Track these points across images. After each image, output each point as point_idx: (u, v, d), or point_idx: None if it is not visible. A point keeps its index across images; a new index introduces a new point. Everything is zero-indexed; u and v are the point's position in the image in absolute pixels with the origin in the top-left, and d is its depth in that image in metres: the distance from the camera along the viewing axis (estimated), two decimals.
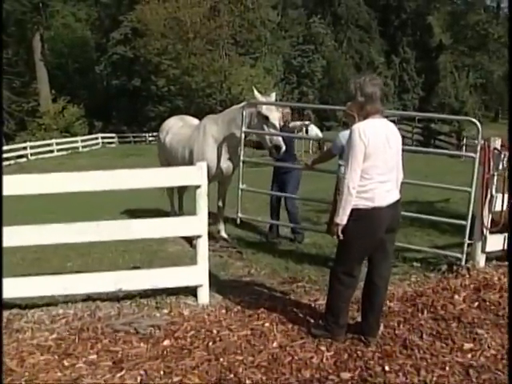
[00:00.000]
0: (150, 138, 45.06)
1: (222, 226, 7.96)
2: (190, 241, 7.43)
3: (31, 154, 33.32)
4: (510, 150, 5.65)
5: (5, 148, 32.75)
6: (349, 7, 61.56)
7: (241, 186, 7.43)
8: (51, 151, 35.33)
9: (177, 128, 8.47)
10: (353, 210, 3.89)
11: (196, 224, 4.76)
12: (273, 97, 7.20)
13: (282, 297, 5.32)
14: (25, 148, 33.45)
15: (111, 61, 52.29)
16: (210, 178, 7.22)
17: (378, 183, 3.91)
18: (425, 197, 9.99)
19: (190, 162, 7.57)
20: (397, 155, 4.07)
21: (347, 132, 6.18)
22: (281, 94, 47.93)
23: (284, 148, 6.77)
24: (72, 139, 38.65)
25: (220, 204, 7.99)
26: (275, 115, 6.94)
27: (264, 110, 6.91)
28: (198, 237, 4.85)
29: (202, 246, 4.85)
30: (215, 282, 5.60)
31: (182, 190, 8.88)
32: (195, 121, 8.53)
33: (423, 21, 63.90)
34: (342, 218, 3.90)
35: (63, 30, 55.81)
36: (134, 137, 46.83)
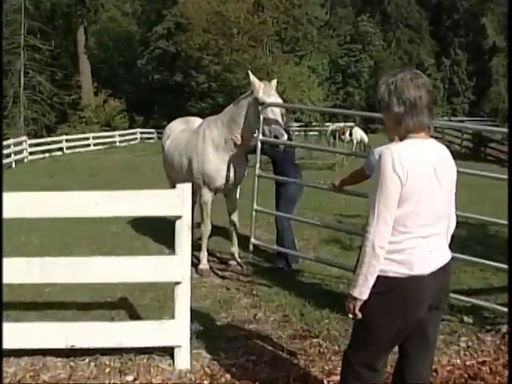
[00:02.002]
0: None
1: (235, 248, 6.95)
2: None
3: (67, 148, 32.78)
4: (510, 149, 4.51)
5: (40, 141, 32.36)
6: (399, 6, 59.57)
7: (255, 206, 6.29)
8: (88, 145, 34.77)
9: (177, 132, 7.40)
10: (379, 278, 2.59)
11: (176, 266, 3.60)
12: (273, 84, 6.16)
13: (289, 360, 4.10)
14: (60, 141, 32.92)
15: (153, 55, 51.73)
16: (214, 191, 6.59)
17: (420, 239, 2.59)
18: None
19: (189, 172, 6.66)
20: (449, 195, 2.76)
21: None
22: (325, 94, 46.59)
23: (285, 138, 5.85)
24: (109, 133, 38.07)
25: (234, 218, 6.96)
26: (275, 100, 5.95)
27: (261, 94, 5.89)
28: (177, 283, 3.67)
29: (183, 295, 3.67)
30: (208, 330, 4.47)
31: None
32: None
33: (476, 22, 61.42)
34: (362, 291, 2.59)
35: (109, 24, 56.02)
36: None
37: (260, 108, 5.85)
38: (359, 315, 2.66)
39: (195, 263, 6.51)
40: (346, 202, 11.32)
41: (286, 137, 5.84)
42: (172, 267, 3.59)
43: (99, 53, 53.89)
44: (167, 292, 5.23)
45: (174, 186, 7.97)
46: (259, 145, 6.08)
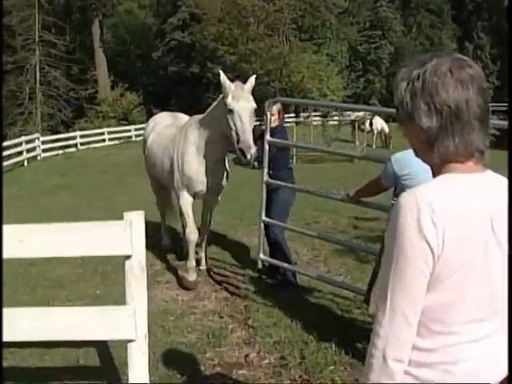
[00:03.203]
0: None
1: (202, 254, 6.69)
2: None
3: (81, 144, 32.17)
4: (509, 150, 3.63)
5: (54, 137, 31.84)
6: None
7: (263, 216, 5.58)
8: (103, 140, 34.10)
9: (162, 127, 6.76)
10: None
11: (126, 320, 2.78)
12: (248, 85, 5.47)
13: None
14: (74, 137, 32.32)
15: (169, 47, 51.05)
16: (193, 195, 6.11)
17: (468, 345, 1.50)
18: None
19: (170, 173, 6.14)
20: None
21: (406, 154, 4.08)
22: (345, 82, 45.58)
23: (253, 151, 5.16)
24: (125, 128, 37.36)
25: (203, 227, 6.57)
26: (244, 106, 5.26)
27: (229, 99, 5.28)
28: (130, 341, 2.85)
29: (137, 357, 2.85)
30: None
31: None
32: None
33: (500, 4, 59.55)
34: None
35: (126, 17, 55.60)
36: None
37: (227, 114, 5.31)
38: None
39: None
40: (364, 202, 10.46)
41: (253, 150, 5.16)
42: (121, 322, 2.77)
43: (116, 46, 53.58)
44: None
45: (156, 186, 7.32)
46: (267, 147, 5.49)
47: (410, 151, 3.76)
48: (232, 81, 5.49)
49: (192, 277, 6.08)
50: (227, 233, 8.35)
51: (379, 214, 9.26)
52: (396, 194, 4.04)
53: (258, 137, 5.82)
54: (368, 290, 4.24)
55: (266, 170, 5.56)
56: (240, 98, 5.25)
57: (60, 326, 2.82)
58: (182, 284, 6.09)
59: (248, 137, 5.18)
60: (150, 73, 53.50)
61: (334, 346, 4.29)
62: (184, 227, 6.35)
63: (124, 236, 2.68)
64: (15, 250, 2.73)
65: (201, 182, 5.88)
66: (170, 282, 6.30)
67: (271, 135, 5.58)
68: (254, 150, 5.15)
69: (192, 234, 6.08)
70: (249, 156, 5.14)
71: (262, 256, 5.66)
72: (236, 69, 41.34)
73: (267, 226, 5.86)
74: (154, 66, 53.52)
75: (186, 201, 6.06)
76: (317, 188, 6.64)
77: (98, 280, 6.30)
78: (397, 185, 4.03)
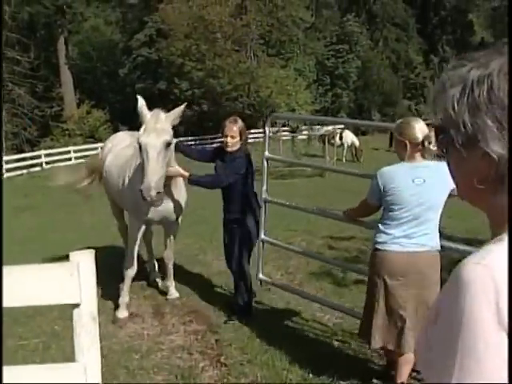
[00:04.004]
0: None
1: (169, 283, 6.28)
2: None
3: (46, 163, 31.41)
4: (509, 151, 3.24)
5: (18, 156, 31.07)
6: (385, 4, 58.46)
7: (262, 235, 5.48)
8: (69, 159, 33.35)
9: (121, 147, 6.33)
10: None
11: (74, 379, 2.37)
12: (172, 114, 5.08)
13: None
14: (39, 156, 31.56)
15: (136, 63, 50.59)
16: (143, 222, 5.70)
17: None
18: None
19: (124, 200, 5.78)
20: None
21: (392, 168, 3.72)
22: (313, 97, 45.58)
23: (152, 194, 4.62)
24: (92, 146, 36.64)
25: (169, 253, 6.17)
26: (153, 143, 4.74)
27: (140, 132, 4.87)
28: None
29: None
30: None
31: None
32: None
33: (464, 18, 60.64)
34: None
35: (92, 33, 55.10)
36: None
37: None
38: None
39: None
40: (339, 220, 10.15)
41: (152, 193, 4.63)
42: (70, 380, 2.36)
43: (82, 63, 52.88)
44: None
45: (116, 210, 6.79)
46: (265, 164, 5.45)
47: (397, 166, 3.43)
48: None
49: (121, 314, 5.73)
50: (196, 257, 7.94)
51: (355, 232, 8.99)
52: (386, 213, 3.73)
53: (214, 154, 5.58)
54: (361, 324, 3.93)
55: (264, 188, 5.60)
56: (151, 132, 4.78)
57: None
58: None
59: (150, 178, 4.64)
60: (117, 89, 52.89)
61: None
62: (125, 258, 5.93)
63: (71, 281, 2.28)
64: None
65: (149, 210, 5.41)
66: (136, 314, 5.86)
67: (231, 161, 5.28)
68: (153, 192, 4.61)
69: (130, 270, 5.76)
70: (148, 199, 4.64)
71: (261, 276, 5.58)
72: (204, 84, 41.12)
73: (231, 258, 5.58)
74: (120, 83, 52.93)
75: (134, 229, 5.72)
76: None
77: (55, 314, 5.81)
78: (381, 202, 3.73)
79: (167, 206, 5.48)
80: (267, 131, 5.43)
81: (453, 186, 1.21)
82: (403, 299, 3.59)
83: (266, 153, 5.54)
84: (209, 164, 5.73)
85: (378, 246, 3.70)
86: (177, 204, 5.64)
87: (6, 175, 27.24)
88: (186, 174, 5.24)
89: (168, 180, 5.27)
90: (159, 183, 4.71)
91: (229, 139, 5.28)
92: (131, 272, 5.74)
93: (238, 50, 38.11)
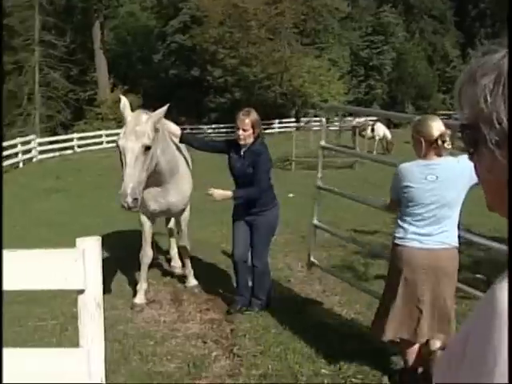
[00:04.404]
0: (209, 131, 43.48)
1: (187, 271, 6.26)
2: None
3: (79, 146, 31.79)
4: (509, 151, 3.14)
5: (51, 139, 31.55)
6: None
7: (315, 221, 5.87)
8: (101, 143, 33.75)
9: None
10: None
11: (78, 365, 2.36)
12: (154, 115, 4.85)
13: None
14: (71, 140, 31.97)
15: (170, 49, 50.75)
16: (148, 215, 5.71)
17: None
18: None
19: None
20: None
21: (411, 165, 3.72)
22: (347, 88, 45.22)
23: (129, 200, 4.48)
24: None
25: (181, 243, 6.18)
26: (130, 146, 4.56)
27: (120, 134, 4.72)
28: None
29: None
30: None
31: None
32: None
33: (503, 11, 59.33)
34: None
35: (127, 19, 55.43)
36: (191, 129, 44.90)
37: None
38: None
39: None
40: (364, 213, 10.04)
41: (128, 199, 4.46)
42: (71, 368, 2.36)
43: (117, 48, 53.32)
44: None
45: None
46: (321, 152, 5.56)
47: (412, 163, 3.39)
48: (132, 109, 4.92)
49: (139, 299, 5.72)
50: (219, 245, 7.93)
51: (380, 227, 8.89)
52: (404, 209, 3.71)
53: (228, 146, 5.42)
54: (376, 315, 3.98)
55: (320, 175, 5.70)
56: (130, 135, 4.57)
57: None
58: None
59: (127, 184, 4.47)
60: (151, 75, 53.19)
61: (326, 381, 3.88)
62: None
63: (76, 267, 2.27)
64: None
65: (150, 203, 5.47)
66: (154, 300, 5.88)
67: (251, 156, 5.12)
68: (129, 199, 4.45)
69: (145, 257, 5.79)
70: (125, 205, 4.49)
71: (312, 259, 5.92)
72: (237, 72, 41.08)
73: (251, 253, 5.45)
74: (154, 69, 53.22)
75: (143, 221, 5.73)
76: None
77: (75, 296, 5.85)
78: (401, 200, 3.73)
79: (169, 199, 5.51)
80: (324, 121, 5.36)
81: (475, 179, 1.08)
82: (420, 292, 3.65)
83: (322, 142, 5.48)
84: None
85: (397, 242, 3.76)
86: (180, 197, 5.60)
87: (38, 157, 27.66)
88: (230, 193, 5.07)
89: (170, 173, 5.29)
90: (136, 189, 4.54)
91: (241, 132, 5.08)
92: (146, 260, 5.76)
93: (272, 38, 37.95)
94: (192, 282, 6.22)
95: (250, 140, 5.13)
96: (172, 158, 5.35)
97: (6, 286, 2.39)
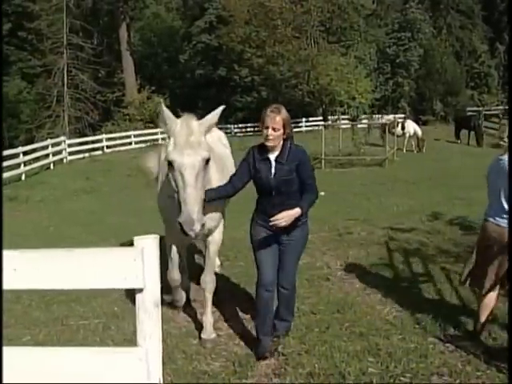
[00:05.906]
0: (236, 130, 44.09)
1: (206, 317, 4.90)
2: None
3: (107, 147, 32.10)
4: (510, 151, 4.22)
5: (80, 140, 31.94)
6: None
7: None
8: (129, 143, 34.07)
9: None
10: None
11: (135, 366, 2.34)
12: (205, 121, 4.03)
13: None
14: (100, 140, 32.29)
15: (196, 50, 50.91)
16: (175, 240, 4.85)
17: None
18: None
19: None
20: None
21: (495, 161, 4.50)
22: (374, 85, 44.89)
23: (196, 228, 3.71)
24: (151, 131, 37.19)
25: (203, 278, 4.92)
26: (190, 162, 3.79)
27: (170, 146, 3.88)
28: None
29: None
30: None
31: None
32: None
33: None
34: None
35: (153, 20, 55.88)
36: (219, 128, 45.07)
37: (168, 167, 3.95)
38: None
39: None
40: (398, 210, 9.93)
41: (196, 227, 3.72)
42: (129, 367, 2.34)
43: (143, 49, 53.84)
44: None
45: None
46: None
47: (500, 158, 4.00)
48: (179, 116, 4.05)
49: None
50: None
51: (416, 224, 8.78)
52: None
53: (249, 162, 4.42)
54: (467, 275, 4.76)
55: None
56: (185, 148, 3.80)
57: (58, 371, 2.40)
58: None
59: (191, 208, 3.71)
60: (177, 76, 53.49)
61: (374, 380, 3.81)
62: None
63: (134, 267, 2.25)
64: (7, 280, 2.32)
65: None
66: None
67: (279, 160, 4.27)
68: (197, 226, 3.73)
69: (171, 281, 5.02)
70: (192, 234, 3.76)
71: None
72: (263, 71, 41.02)
73: (278, 275, 4.50)
74: (180, 69, 53.47)
75: (169, 244, 4.91)
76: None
77: (115, 295, 5.89)
78: None
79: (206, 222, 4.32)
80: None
81: None
82: (491, 258, 4.47)
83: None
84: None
85: (484, 217, 4.66)
86: (212, 218, 4.63)
87: (68, 158, 27.99)
88: (298, 210, 4.12)
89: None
90: (201, 212, 3.82)
91: (270, 131, 4.18)
92: (174, 276, 5.04)
93: (298, 36, 37.74)
94: (209, 333, 4.88)
95: (280, 142, 4.30)
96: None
97: (65, 286, 2.38)
